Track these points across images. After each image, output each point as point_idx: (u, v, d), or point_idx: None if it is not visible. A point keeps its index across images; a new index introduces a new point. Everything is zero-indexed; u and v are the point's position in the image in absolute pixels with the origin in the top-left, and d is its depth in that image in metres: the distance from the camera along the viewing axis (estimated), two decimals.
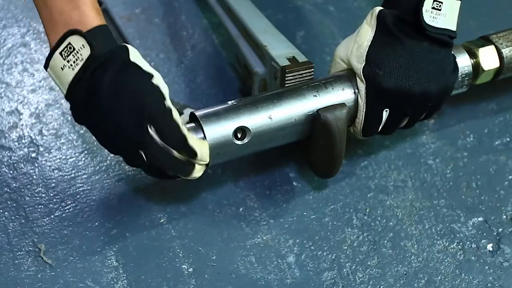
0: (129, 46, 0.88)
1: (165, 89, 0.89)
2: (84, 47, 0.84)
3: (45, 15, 0.87)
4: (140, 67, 0.87)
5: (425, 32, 0.96)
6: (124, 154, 0.91)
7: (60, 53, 0.85)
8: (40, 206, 1.02)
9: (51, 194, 1.03)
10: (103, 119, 0.87)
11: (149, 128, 0.86)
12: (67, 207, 1.02)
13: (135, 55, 0.88)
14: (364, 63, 0.97)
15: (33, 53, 1.25)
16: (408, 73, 0.96)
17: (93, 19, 0.86)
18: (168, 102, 0.88)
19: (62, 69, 0.86)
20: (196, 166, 0.92)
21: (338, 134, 0.97)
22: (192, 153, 0.90)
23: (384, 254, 0.99)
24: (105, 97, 0.85)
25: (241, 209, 1.03)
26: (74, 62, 0.85)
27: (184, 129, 0.90)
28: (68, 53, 0.85)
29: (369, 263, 0.98)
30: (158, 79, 0.89)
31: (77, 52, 0.85)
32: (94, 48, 0.84)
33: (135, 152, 0.88)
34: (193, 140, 0.91)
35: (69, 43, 0.84)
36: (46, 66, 0.87)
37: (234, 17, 1.18)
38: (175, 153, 0.89)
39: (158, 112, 0.87)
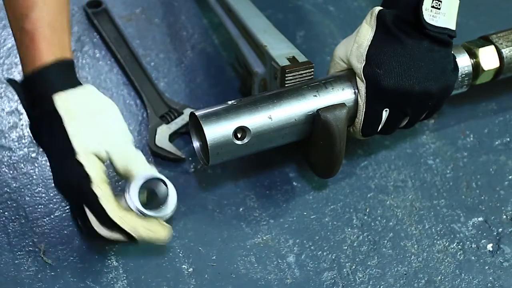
0: (63, 101, 0.86)
1: (120, 151, 0.87)
2: (21, 97, 0.88)
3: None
4: (63, 138, 0.86)
5: (425, 31, 0.96)
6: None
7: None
8: (40, 206, 1.02)
9: (51, 194, 1.03)
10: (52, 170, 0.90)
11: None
12: (67, 207, 1.02)
13: (69, 117, 0.86)
14: (364, 62, 0.97)
15: None
16: (408, 72, 0.96)
17: (39, 58, 0.87)
18: (100, 184, 0.85)
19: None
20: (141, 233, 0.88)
21: (338, 134, 0.97)
22: (127, 235, 0.87)
23: (384, 254, 0.99)
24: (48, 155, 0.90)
25: (241, 209, 1.03)
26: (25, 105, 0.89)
27: (116, 213, 0.85)
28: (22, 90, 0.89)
29: (369, 263, 0.98)
30: (100, 143, 0.87)
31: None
32: (25, 106, 0.88)
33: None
34: (133, 223, 0.86)
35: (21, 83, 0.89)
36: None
37: (234, 17, 1.18)
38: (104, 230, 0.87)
39: (84, 196, 0.85)
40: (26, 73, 0.88)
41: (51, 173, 0.90)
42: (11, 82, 0.89)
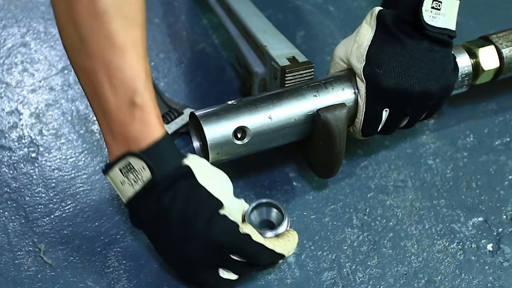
0: (192, 163, 0.86)
1: (236, 204, 0.89)
2: (144, 169, 0.83)
3: (103, 123, 0.84)
4: (207, 194, 0.85)
5: (424, 31, 0.96)
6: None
7: (120, 170, 0.84)
8: (40, 206, 1.02)
9: (51, 194, 1.03)
10: (173, 250, 0.87)
11: (231, 256, 0.86)
12: (67, 207, 1.02)
13: (202, 175, 0.86)
14: (364, 62, 0.97)
15: (33, 53, 1.26)
16: (408, 72, 0.96)
17: (155, 131, 0.83)
18: (244, 227, 0.87)
19: (122, 183, 0.85)
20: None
21: (338, 134, 0.97)
22: (280, 258, 0.90)
23: (384, 254, 0.99)
24: (175, 231, 0.85)
25: None
26: (134, 181, 0.84)
27: (267, 243, 0.88)
28: (127, 170, 0.84)
29: (369, 263, 0.98)
30: (228, 199, 0.87)
31: (138, 172, 0.83)
32: (154, 171, 0.83)
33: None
34: (278, 245, 0.89)
35: (129, 163, 0.83)
36: (104, 172, 0.86)
37: (234, 17, 1.18)
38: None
39: (235, 245, 0.86)
40: (139, 147, 0.83)
41: (162, 250, 0.89)
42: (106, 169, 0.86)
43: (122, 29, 0.80)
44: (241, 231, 0.86)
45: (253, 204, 0.95)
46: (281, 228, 0.93)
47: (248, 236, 0.86)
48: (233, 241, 0.85)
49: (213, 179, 0.88)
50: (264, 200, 0.96)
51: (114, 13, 0.79)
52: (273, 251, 0.88)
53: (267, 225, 0.97)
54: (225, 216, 0.86)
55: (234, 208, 0.89)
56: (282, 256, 0.90)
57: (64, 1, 0.80)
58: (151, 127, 0.83)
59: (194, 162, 0.86)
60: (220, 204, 0.86)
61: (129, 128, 0.82)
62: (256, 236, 0.87)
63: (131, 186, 0.84)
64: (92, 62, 0.81)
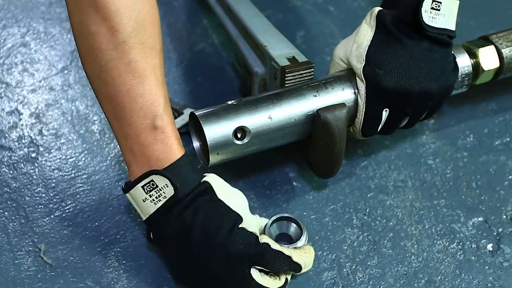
0: (211, 180, 0.88)
1: (252, 221, 0.90)
2: (167, 186, 0.86)
3: (125, 145, 0.87)
4: (227, 208, 0.88)
5: (424, 32, 0.96)
6: None
7: (142, 187, 0.86)
8: (40, 206, 1.02)
9: (51, 194, 1.03)
10: (195, 265, 0.88)
11: (252, 271, 0.87)
12: (67, 207, 1.02)
13: (221, 192, 0.89)
14: (364, 62, 0.97)
15: (33, 53, 1.26)
16: (408, 73, 0.96)
17: (176, 151, 0.87)
18: (262, 237, 0.88)
19: (144, 201, 0.87)
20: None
21: (338, 134, 0.97)
22: (297, 267, 0.90)
23: (384, 254, 0.99)
24: (197, 246, 0.86)
25: None
26: (156, 198, 0.86)
27: (285, 250, 0.89)
28: (151, 188, 0.86)
29: (369, 263, 0.98)
30: (245, 214, 0.89)
31: (160, 189, 0.86)
32: (178, 188, 0.86)
33: None
34: (295, 254, 0.90)
35: (152, 180, 0.86)
36: (125, 191, 0.88)
37: (234, 17, 1.18)
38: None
39: (256, 254, 0.87)
40: (162, 167, 0.86)
41: (179, 265, 0.90)
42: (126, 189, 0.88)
43: (141, 57, 0.84)
44: (260, 241, 0.87)
45: (274, 218, 0.96)
46: (300, 243, 0.94)
47: (267, 244, 0.87)
48: (254, 251, 0.86)
49: (231, 195, 0.90)
50: (284, 215, 0.97)
51: (133, 43, 0.83)
52: (290, 257, 0.89)
53: (285, 239, 0.97)
54: (244, 229, 0.87)
55: (252, 222, 0.90)
56: (298, 266, 0.90)
57: (85, 32, 0.83)
58: (172, 148, 0.87)
59: (213, 179, 0.89)
60: (239, 217, 0.88)
61: (151, 149, 0.86)
62: (274, 245, 0.88)
63: (152, 203, 0.87)
64: (114, 89, 0.85)
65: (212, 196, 0.88)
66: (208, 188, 0.88)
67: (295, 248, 0.91)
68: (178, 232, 0.87)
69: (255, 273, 0.87)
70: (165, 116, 0.86)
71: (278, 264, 0.88)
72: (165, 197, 0.86)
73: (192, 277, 0.89)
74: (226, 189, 0.90)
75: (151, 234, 0.90)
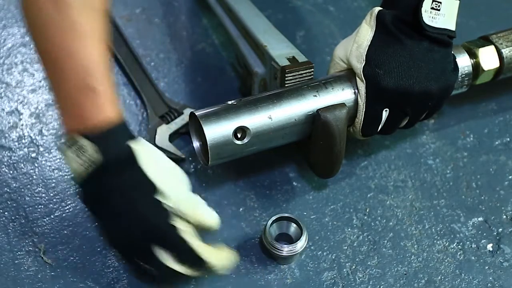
0: (138, 146, 0.87)
1: (187, 198, 0.89)
2: (91, 150, 0.85)
3: (61, 102, 0.87)
4: (143, 177, 0.86)
5: (424, 32, 0.96)
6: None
7: (71, 148, 0.86)
8: (40, 206, 1.02)
9: (51, 194, 1.03)
10: (111, 227, 0.88)
11: (153, 249, 0.86)
12: (67, 207, 1.02)
13: (147, 161, 0.87)
14: (364, 62, 0.97)
15: (33, 53, 1.25)
16: (408, 73, 0.96)
17: (107, 112, 0.86)
18: (176, 220, 0.86)
19: (74, 163, 0.87)
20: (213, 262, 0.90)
21: (338, 134, 0.97)
22: (200, 265, 0.88)
23: (384, 254, 0.99)
24: (108, 212, 0.86)
25: (241, 209, 1.03)
26: (84, 161, 0.86)
27: (194, 242, 0.87)
28: (79, 152, 0.86)
29: (369, 263, 0.98)
30: (163, 183, 0.87)
31: (87, 154, 0.85)
32: (100, 151, 0.85)
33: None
34: (207, 250, 0.88)
35: (80, 144, 0.86)
36: (59, 149, 0.88)
37: (234, 17, 1.18)
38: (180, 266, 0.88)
39: (161, 233, 0.85)
40: (91, 129, 0.86)
41: (106, 227, 0.89)
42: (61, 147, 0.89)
43: (82, 17, 0.84)
44: (170, 221, 0.85)
45: (274, 218, 0.96)
46: (300, 243, 0.94)
47: (173, 227, 0.85)
48: (157, 226, 0.85)
49: (160, 167, 0.88)
50: (284, 215, 0.97)
51: (74, 1, 0.84)
52: (192, 249, 0.86)
53: (285, 239, 0.97)
54: (157, 201, 0.86)
55: (183, 200, 0.88)
56: (202, 262, 0.87)
57: None
58: (103, 109, 0.85)
59: (141, 146, 0.88)
60: (154, 188, 0.86)
61: (81, 108, 0.86)
62: (184, 232, 0.86)
63: (81, 166, 0.86)
64: (51, 46, 0.86)
65: (132, 163, 0.86)
66: (130, 154, 0.86)
67: (219, 248, 0.89)
68: (97, 194, 0.87)
69: (158, 251, 0.85)
70: (98, 76, 0.85)
71: (178, 251, 0.86)
72: (92, 161, 0.85)
73: (113, 240, 0.89)
74: (156, 159, 0.89)
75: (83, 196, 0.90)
